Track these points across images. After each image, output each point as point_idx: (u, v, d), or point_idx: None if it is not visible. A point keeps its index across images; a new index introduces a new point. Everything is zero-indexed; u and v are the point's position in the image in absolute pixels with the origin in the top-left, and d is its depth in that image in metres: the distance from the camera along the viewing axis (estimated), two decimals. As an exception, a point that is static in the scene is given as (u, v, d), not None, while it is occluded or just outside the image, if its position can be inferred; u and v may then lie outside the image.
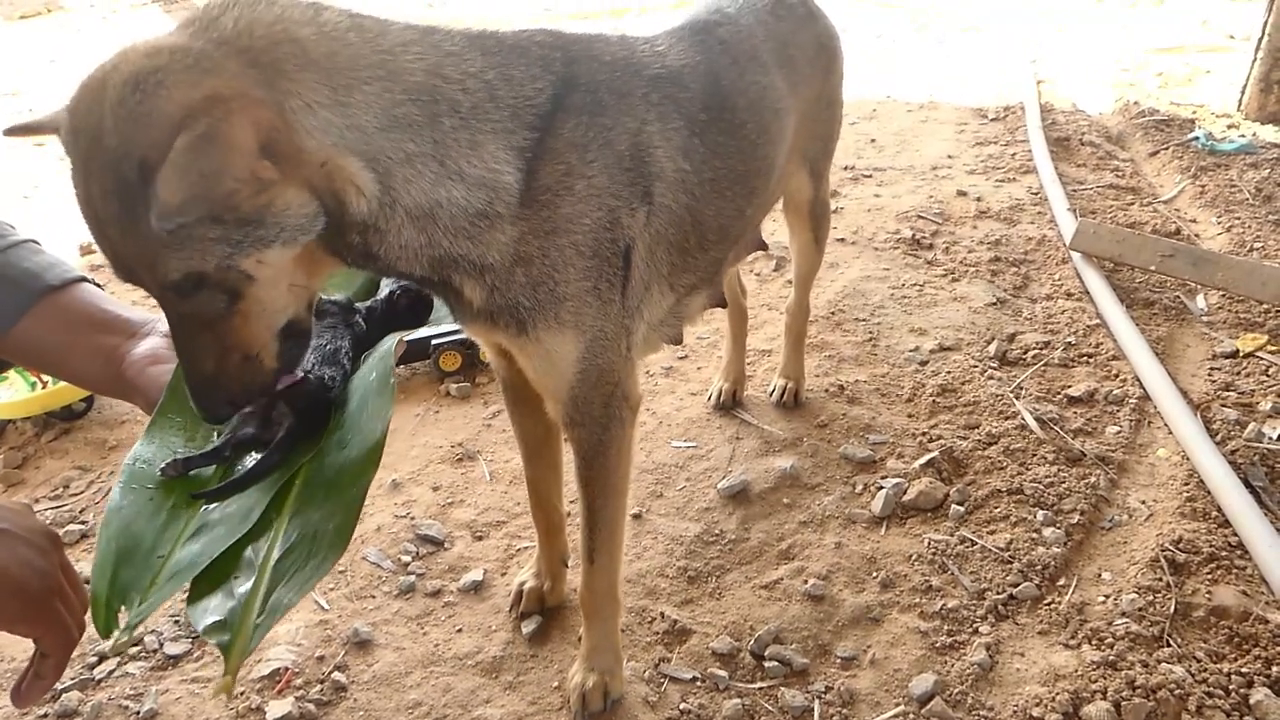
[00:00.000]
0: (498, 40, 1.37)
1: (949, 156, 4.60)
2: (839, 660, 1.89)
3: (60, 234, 1.45)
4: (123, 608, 1.09)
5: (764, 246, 2.20)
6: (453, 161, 1.24)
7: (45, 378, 2.66)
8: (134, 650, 1.96)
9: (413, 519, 2.32)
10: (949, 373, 2.79)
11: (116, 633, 1.08)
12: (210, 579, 1.13)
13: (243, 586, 1.12)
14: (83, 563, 2.20)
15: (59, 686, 1.84)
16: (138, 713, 1.80)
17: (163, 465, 1.23)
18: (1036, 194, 4.05)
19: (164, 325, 1.26)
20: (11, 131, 1.23)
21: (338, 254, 1.23)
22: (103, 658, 1.94)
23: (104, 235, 1.08)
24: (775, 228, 3.03)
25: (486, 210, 1.29)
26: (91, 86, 1.06)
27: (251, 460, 1.25)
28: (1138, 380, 2.71)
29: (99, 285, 1.41)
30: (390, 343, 1.34)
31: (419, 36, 1.26)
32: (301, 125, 1.10)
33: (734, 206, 1.75)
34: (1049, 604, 2.00)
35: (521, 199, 1.32)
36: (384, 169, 1.18)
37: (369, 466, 1.18)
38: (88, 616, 1.13)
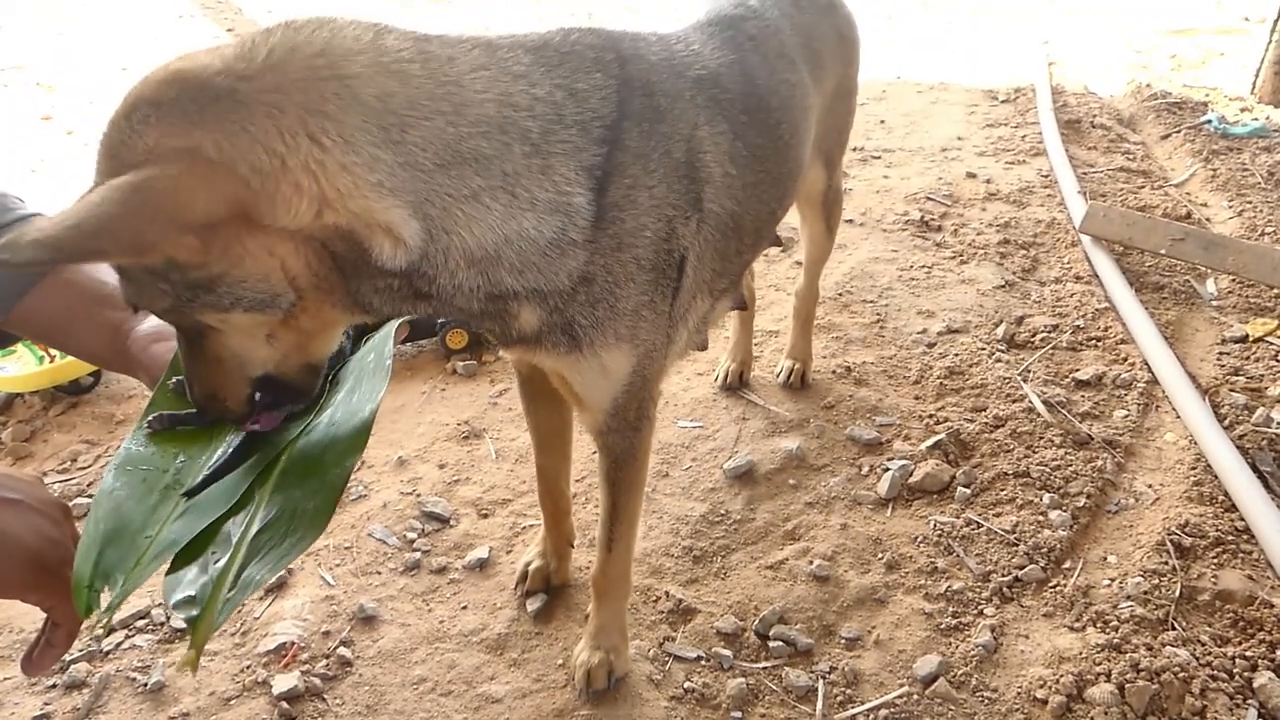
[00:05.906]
0: (554, 49, 1.27)
1: (958, 138, 4.56)
2: (843, 641, 1.90)
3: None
4: (105, 588, 1.05)
5: (779, 242, 2.18)
6: (524, 190, 1.16)
7: (53, 352, 2.66)
8: (141, 623, 1.97)
9: (418, 496, 2.32)
10: (957, 355, 2.78)
11: (97, 613, 1.04)
12: (189, 553, 1.10)
13: (219, 561, 1.09)
14: (90, 536, 2.22)
15: (67, 658, 1.86)
16: (145, 684, 1.82)
17: (150, 418, 1.21)
18: (1046, 176, 4.02)
19: None
20: None
21: (357, 308, 1.13)
22: (111, 630, 1.95)
23: None
24: (783, 208, 3.02)
25: (559, 239, 1.20)
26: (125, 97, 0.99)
27: (235, 437, 1.22)
28: (1146, 364, 2.70)
29: None
30: (392, 326, 1.30)
31: (487, 58, 1.16)
32: (322, 177, 0.99)
33: (768, 210, 1.70)
34: (1054, 587, 2.00)
35: (594, 221, 1.24)
36: (440, 208, 1.08)
37: (354, 449, 1.14)
38: None
